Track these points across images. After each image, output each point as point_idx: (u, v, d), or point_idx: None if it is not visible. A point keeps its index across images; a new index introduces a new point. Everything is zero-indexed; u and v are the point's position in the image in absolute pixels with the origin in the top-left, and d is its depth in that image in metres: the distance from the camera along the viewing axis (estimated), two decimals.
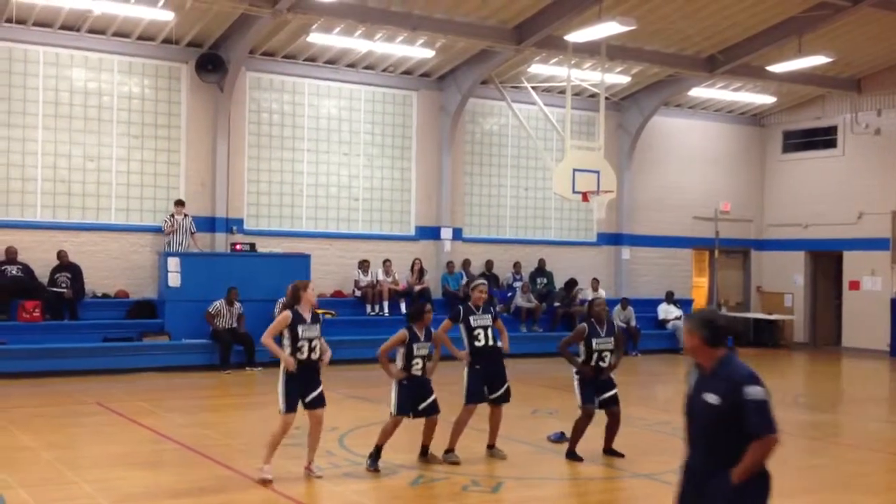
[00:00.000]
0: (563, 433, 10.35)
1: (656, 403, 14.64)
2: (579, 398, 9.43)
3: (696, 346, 4.74)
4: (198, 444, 9.95)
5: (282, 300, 16.80)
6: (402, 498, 8.04)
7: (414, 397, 8.82)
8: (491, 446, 9.47)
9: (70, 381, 14.78)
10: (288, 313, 8.30)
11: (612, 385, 9.55)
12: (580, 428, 9.41)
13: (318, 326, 8.38)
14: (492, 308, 9.55)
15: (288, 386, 8.24)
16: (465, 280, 20.38)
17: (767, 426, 4.69)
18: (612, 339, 9.53)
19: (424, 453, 9.12)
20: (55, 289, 16.43)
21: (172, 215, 17.68)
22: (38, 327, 16.00)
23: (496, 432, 9.49)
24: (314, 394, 8.34)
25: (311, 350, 8.29)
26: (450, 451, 9.18)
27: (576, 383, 9.49)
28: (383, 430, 8.81)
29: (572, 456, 9.41)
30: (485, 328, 9.31)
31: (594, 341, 9.40)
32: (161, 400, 13.40)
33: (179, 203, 17.78)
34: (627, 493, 8.53)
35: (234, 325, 16.82)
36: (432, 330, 9.09)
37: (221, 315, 16.75)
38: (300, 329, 8.25)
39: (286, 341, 8.29)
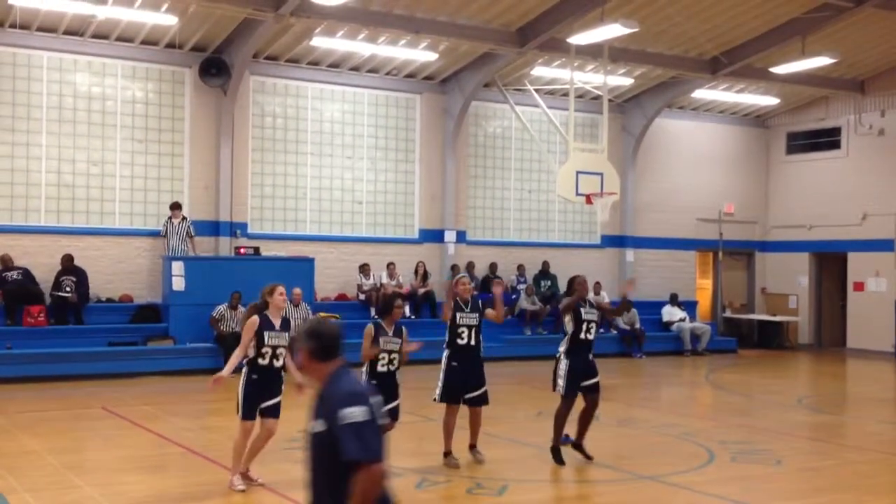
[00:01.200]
0: (567, 435, 10.34)
1: (660, 405, 14.63)
2: (563, 387, 9.34)
3: (304, 361, 4.07)
4: (203, 448, 9.96)
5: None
6: (407, 502, 8.01)
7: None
8: (472, 446, 9.38)
9: (75, 386, 14.80)
10: (256, 318, 8.13)
11: (595, 371, 9.54)
12: (561, 420, 9.35)
13: (286, 334, 8.17)
14: (480, 306, 9.44)
15: (247, 391, 8.10)
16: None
17: (365, 451, 3.77)
18: (596, 311, 9.59)
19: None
20: (59, 293, 16.46)
21: (169, 218, 17.64)
22: (43, 332, 16.03)
23: (477, 433, 9.39)
24: (271, 402, 8.15)
25: (273, 357, 8.12)
26: (448, 453, 9.16)
27: (563, 365, 9.39)
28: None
29: (556, 455, 9.34)
30: (469, 327, 9.21)
31: (582, 311, 9.43)
32: (166, 404, 13.43)
33: (175, 206, 17.64)
34: (632, 495, 8.52)
35: (238, 329, 16.78)
36: (403, 327, 8.87)
37: (225, 319, 16.76)
38: (266, 335, 8.10)
39: (251, 345, 8.13)
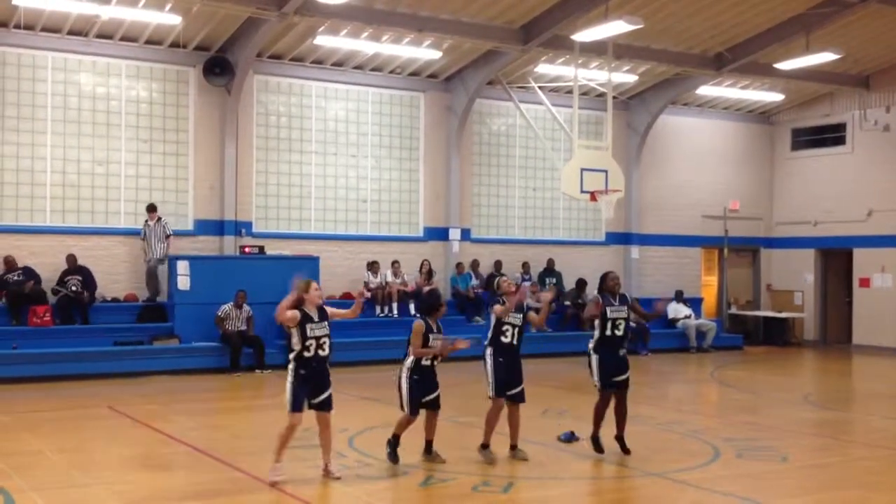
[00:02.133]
0: (573, 433, 10.37)
1: (667, 402, 14.62)
2: (598, 379, 9.59)
3: None
4: (208, 447, 9.97)
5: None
6: (412, 499, 8.05)
7: (422, 392, 8.90)
8: (513, 447, 9.44)
9: (81, 385, 14.83)
10: (297, 313, 8.32)
11: (626, 367, 9.71)
12: (599, 413, 9.61)
13: (326, 324, 8.40)
14: (524, 306, 9.56)
15: (295, 385, 8.27)
16: (473, 281, 20.40)
17: None
18: (626, 308, 9.74)
19: (428, 450, 9.13)
20: (65, 290, 16.48)
21: (146, 221, 17.39)
22: (49, 332, 16.06)
23: (517, 432, 9.46)
24: (322, 396, 8.36)
25: (318, 347, 8.32)
26: (486, 446, 9.26)
27: (594, 360, 9.61)
28: (398, 423, 8.96)
29: (595, 441, 9.58)
30: (514, 326, 9.33)
31: (608, 310, 9.61)
32: (171, 403, 13.44)
33: (151, 208, 17.44)
34: (638, 492, 8.52)
35: (244, 327, 16.84)
36: (439, 324, 9.16)
37: (230, 318, 16.79)
38: (308, 328, 8.28)
39: (295, 339, 8.32)
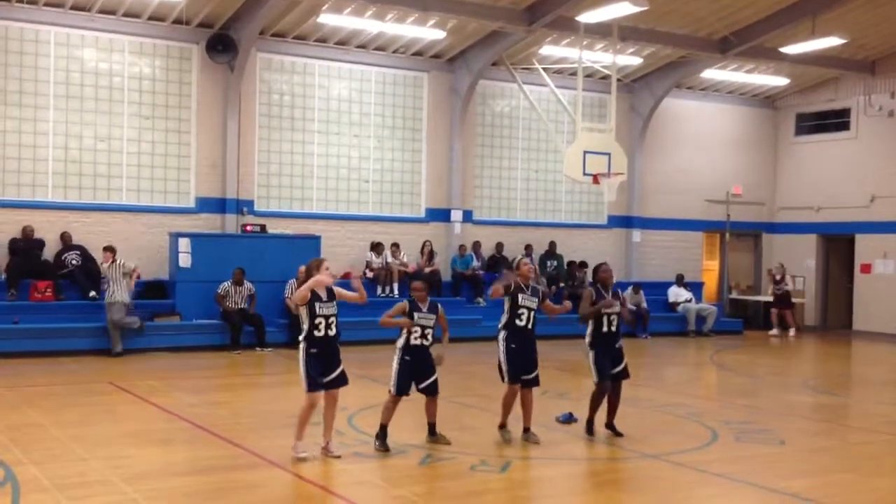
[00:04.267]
0: (571, 414, 10.42)
1: (665, 385, 14.65)
2: (595, 374, 9.59)
3: None
4: (208, 423, 10.01)
5: (292, 281, 16.88)
6: (410, 477, 8.07)
7: (414, 375, 8.86)
8: (526, 430, 9.43)
9: (82, 361, 14.88)
10: (307, 291, 8.34)
11: (622, 357, 9.76)
12: (596, 401, 9.66)
13: (334, 304, 8.44)
14: (539, 292, 9.53)
15: (308, 365, 8.31)
16: (475, 262, 20.40)
17: None
18: (618, 303, 9.72)
19: (433, 432, 9.14)
20: (70, 267, 16.52)
21: (103, 262, 16.04)
22: (50, 307, 16.09)
23: (530, 415, 9.46)
24: (334, 374, 8.41)
25: (328, 327, 8.35)
26: (503, 426, 9.33)
27: (591, 358, 9.62)
28: (385, 409, 8.88)
29: (589, 428, 9.67)
30: (530, 310, 9.31)
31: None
32: (172, 379, 13.48)
33: (107, 249, 15.94)
34: (635, 473, 8.54)
35: (244, 305, 16.86)
36: (438, 304, 9.11)
37: (230, 296, 16.81)
38: (317, 306, 8.30)
39: (303, 318, 8.37)
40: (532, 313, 9.32)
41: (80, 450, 8.63)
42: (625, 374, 9.80)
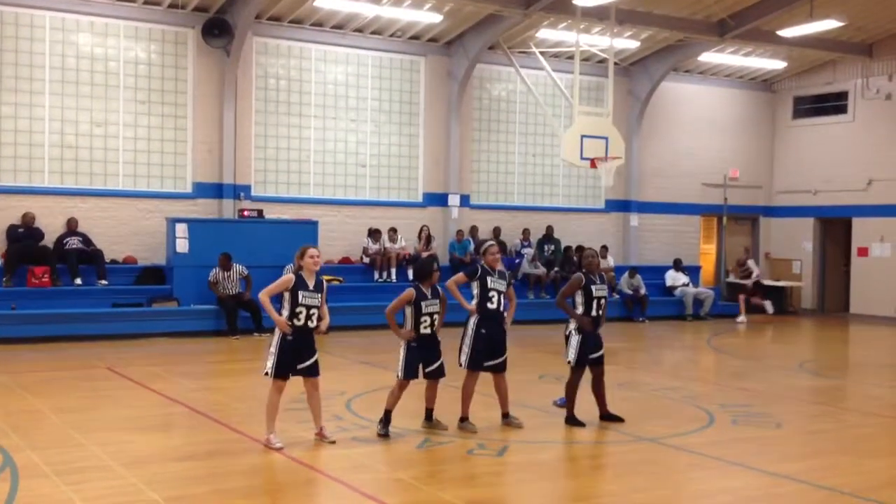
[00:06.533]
0: (564, 398, 10.41)
1: (662, 369, 14.69)
2: (574, 356, 9.42)
3: None
4: (207, 408, 10.04)
5: (290, 266, 16.88)
6: (408, 461, 8.10)
7: (422, 359, 8.83)
8: (505, 415, 9.40)
9: (80, 346, 14.90)
10: (291, 276, 8.33)
11: (601, 344, 9.63)
12: (574, 387, 9.48)
13: (319, 295, 8.35)
14: (507, 275, 9.48)
15: (281, 351, 8.23)
16: (472, 247, 20.40)
17: None
18: (605, 287, 9.63)
19: (429, 417, 9.15)
20: (70, 249, 16.53)
21: None
22: (48, 292, 16.10)
23: (506, 400, 9.41)
24: (308, 362, 8.33)
25: (308, 317, 8.27)
26: (464, 419, 9.17)
27: (574, 340, 9.44)
28: (391, 394, 8.85)
29: (573, 421, 9.46)
30: (499, 293, 9.25)
31: (593, 288, 9.45)
32: (170, 364, 13.50)
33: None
34: (632, 456, 8.57)
35: (237, 290, 16.82)
36: (439, 289, 9.03)
37: (220, 282, 16.79)
38: (300, 295, 8.24)
39: (285, 305, 8.29)
40: (501, 296, 9.23)
41: (78, 435, 8.64)
42: (602, 360, 9.58)
